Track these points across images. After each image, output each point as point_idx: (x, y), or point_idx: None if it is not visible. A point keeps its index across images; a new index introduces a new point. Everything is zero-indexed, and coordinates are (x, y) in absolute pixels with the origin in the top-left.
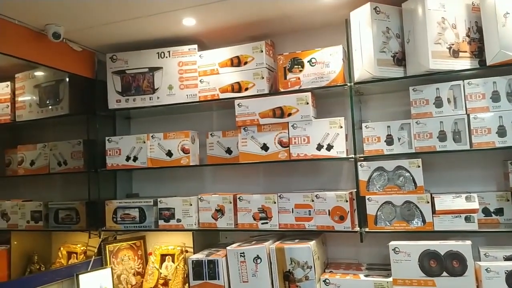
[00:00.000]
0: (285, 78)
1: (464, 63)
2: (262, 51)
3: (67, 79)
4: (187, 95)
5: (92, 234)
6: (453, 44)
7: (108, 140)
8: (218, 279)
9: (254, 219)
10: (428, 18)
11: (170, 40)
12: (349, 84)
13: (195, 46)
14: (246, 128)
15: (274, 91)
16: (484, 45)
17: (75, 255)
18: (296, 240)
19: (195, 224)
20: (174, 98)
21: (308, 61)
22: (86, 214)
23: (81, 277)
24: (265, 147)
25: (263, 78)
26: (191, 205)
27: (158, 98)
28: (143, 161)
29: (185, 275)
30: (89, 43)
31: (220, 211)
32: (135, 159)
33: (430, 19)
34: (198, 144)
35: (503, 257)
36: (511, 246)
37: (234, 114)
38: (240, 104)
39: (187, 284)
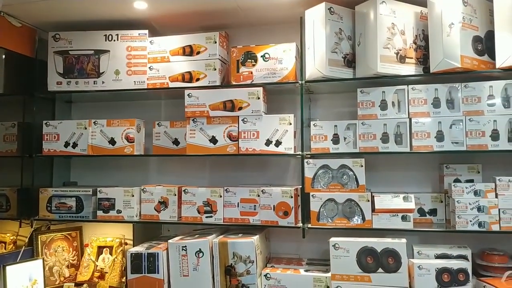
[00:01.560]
0: (238, 71)
1: (410, 69)
2: (215, 42)
3: (3, 56)
4: (134, 81)
5: (24, 223)
6: (400, 50)
7: (45, 124)
8: (158, 273)
9: (199, 212)
10: (379, 22)
11: (119, 23)
12: (300, 82)
13: (146, 31)
14: (195, 120)
15: (226, 84)
16: (429, 53)
17: (3, 244)
18: (240, 235)
19: (136, 216)
20: (120, 83)
21: (261, 56)
22: (17, 202)
23: (8, 268)
24: (213, 140)
25: (215, 69)
26: (133, 196)
27: (103, 82)
28: (83, 148)
29: (123, 268)
30: (30, 19)
31: (163, 203)
32: (74, 145)
33: (381, 24)
34: (144, 133)
35: (434, 255)
36: (442, 245)
37: (184, 105)
38: (190, 95)
39: (124, 278)
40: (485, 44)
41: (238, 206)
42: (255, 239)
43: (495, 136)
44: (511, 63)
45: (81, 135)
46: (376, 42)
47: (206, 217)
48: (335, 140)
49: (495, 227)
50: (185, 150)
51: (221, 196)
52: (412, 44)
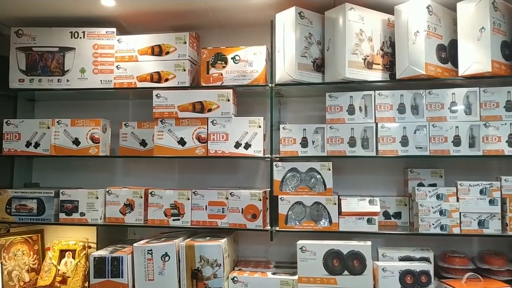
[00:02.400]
0: (208, 72)
1: (377, 74)
2: (185, 43)
3: None
4: (101, 80)
5: None
6: (368, 56)
7: (6, 122)
8: (122, 277)
9: (166, 215)
10: (347, 28)
11: (86, 20)
12: (270, 85)
13: (114, 29)
14: (163, 121)
15: (195, 85)
16: (396, 60)
17: None
18: (208, 238)
19: (100, 219)
20: (86, 82)
21: (232, 58)
22: None
23: None
24: (182, 142)
25: (184, 70)
26: (97, 198)
27: (67, 81)
28: (46, 148)
29: (86, 273)
30: None
31: (129, 205)
32: (36, 145)
33: (350, 30)
34: (110, 133)
35: (398, 258)
36: (406, 247)
37: (152, 105)
38: (158, 95)
39: (87, 282)
40: (449, 52)
41: (206, 209)
42: (223, 242)
43: (457, 142)
44: (473, 71)
45: (43, 134)
46: (345, 48)
47: (173, 220)
48: (304, 143)
49: (456, 230)
50: (152, 151)
51: (189, 199)
52: (379, 51)
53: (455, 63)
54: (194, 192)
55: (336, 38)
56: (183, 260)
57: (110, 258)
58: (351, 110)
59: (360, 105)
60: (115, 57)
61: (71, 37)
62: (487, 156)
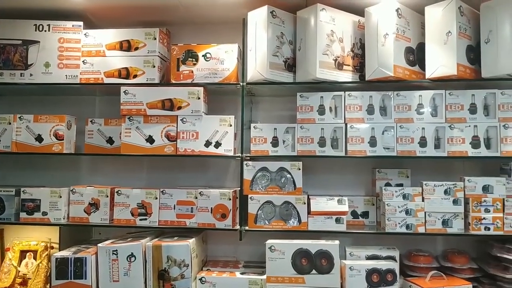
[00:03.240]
0: (178, 69)
1: (347, 75)
2: (155, 39)
3: None
4: (66, 75)
5: None
6: (338, 57)
7: None
8: (85, 279)
9: (132, 214)
10: (319, 29)
11: (52, 13)
12: (241, 83)
13: (81, 23)
14: (131, 118)
15: (165, 82)
16: (365, 61)
17: None
18: (176, 238)
19: (63, 218)
20: (50, 77)
21: (203, 55)
22: None
23: None
24: (150, 140)
25: (154, 66)
26: (60, 197)
27: (31, 75)
28: (6, 144)
29: (48, 274)
30: None
31: (94, 205)
32: None
33: (321, 31)
34: (75, 130)
35: (365, 256)
36: (373, 246)
37: (119, 102)
38: (126, 92)
39: (49, 284)
40: (417, 55)
41: (174, 209)
42: (191, 242)
43: (423, 143)
44: (439, 74)
45: (4, 130)
46: (316, 48)
47: (140, 219)
48: (274, 143)
49: (421, 229)
50: (119, 149)
51: (156, 198)
52: (349, 52)
53: (422, 66)
54: (162, 191)
55: (308, 38)
56: (149, 261)
57: (73, 259)
58: (321, 110)
59: (330, 105)
60: (82, 52)
61: (35, 30)
62: (452, 157)
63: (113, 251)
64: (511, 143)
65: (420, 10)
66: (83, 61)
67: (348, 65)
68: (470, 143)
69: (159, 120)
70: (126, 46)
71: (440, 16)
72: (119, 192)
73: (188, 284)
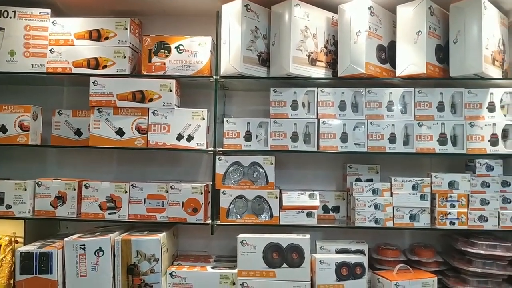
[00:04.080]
0: (150, 61)
1: (320, 71)
2: (126, 29)
3: None
4: (32, 64)
5: None
6: (312, 53)
7: None
8: (51, 273)
9: (101, 208)
10: (293, 24)
11: None
12: (214, 77)
13: (48, 10)
14: (100, 109)
15: (136, 73)
16: (338, 58)
17: None
18: (146, 232)
19: (28, 212)
20: (15, 65)
21: (175, 47)
22: None
23: None
24: (120, 132)
25: (125, 57)
26: (25, 190)
27: None
28: None
29: (12, 269)
30: None
31: (61, 198)
32: None
33: (295, 26)
34: (42, 121)
35: (335, 250)
36: (342, 240)
37: (88, 93)
38: (95, 82)
39: (13, 279)
40: (388, 53)
41: (144, 203)
42: (161, 236)
43: (392, 139)
44: (409, 72)
45: None
46: (290, 43)
47: (109, 213)
48: (248, 137)
49: (389, 224)
50: (88, 141)
51: (126, 192)
52: (323, 48)
53: (393, 64)
54: (132, 185)
55: (282, 33)
56: (118, 255)
57: (38, 253)
58: (294, 106)
59: (303, 100)
60: (49, 40)
61: (0, 17)
62: (420, 153)
63: (80, 245)
64: (476, 141)
65: (392, 9)
66: (50, 50)
67: (321, 61)
68: (437, 140)
69: (129, 112)
70: (96, 35)
71: (411, 15)
72: (87, 185)
73: (158, 279)
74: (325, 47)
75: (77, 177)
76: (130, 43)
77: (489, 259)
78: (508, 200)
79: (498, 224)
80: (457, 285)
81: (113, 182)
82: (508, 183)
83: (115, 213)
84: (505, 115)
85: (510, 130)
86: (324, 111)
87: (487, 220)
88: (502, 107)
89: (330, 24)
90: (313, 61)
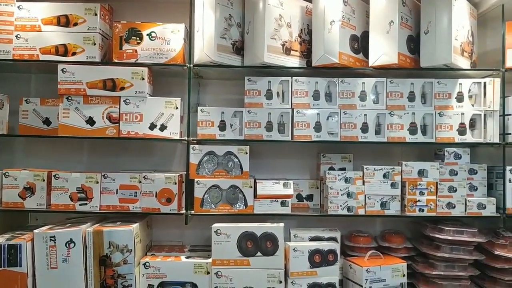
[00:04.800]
0: (121, 48)
1: (294, 61)
2: (96, 14)
3: None
4: None
5: None
6: (286, 42)
7: None
8: (20, 266)
9: (71, 199)
10: (267, 12)
11: None
12: (188, 65)
13: None
14: (69, 98)
15: (107, 61)
16: (312, 47)
17: None
18: (118, 223)
19: None
20: None
21: (147, 34)
22: None
23: None
24: (91, 121)
25: (94, 44)
26: None
27: None
28: None
29: None
30: None
31: (29, 189)
32: None
33: (269, 14)
34: (8, 110)
35: (309, 238)
36: (316, 228)
37: (57, 80)
38: (64, 70)
39: None
40: (361, 43)
41: (117, 193)
42: (134, 227)
43: (364, 128)
44: (381, 62)
45: None
46: (264, 32)
47: (80, 204)
48: (222, 126)
49: (361, 211)
50: (57, 131)
51: (98, 182)
52: (297, 38)
53: (366, 54)
54: (104, 175)
55: (256, 22)
56: (90, 247)
57: (6, 245)
58: (269, 95)
59: (277, 90)
60: (15, 26)
61: None
62: (391, 142)
63: (50, 237)
64: (445, 130)
65: None
66: (16, 36)
67: (296, 51)
68: (408, 130)
69: (100, 101)
70: (64, 21)
71: (383, 5)
72: (57, 176)
73: (131, 270)
74: (300, 36)
75: (46, 167)
76: (100, 29)
77: (456, 244)
78: (475, 188)
79: (465, 210)
80: (426, 270)
81: (84, 172)
82: (475, 171)
83: (86, 204)
84: (472, 105)
85: (477, 119)
86: (298, 100)
87: (454, 207)
88: (470, 97)
89: (305, 13)
90: (287, 50)
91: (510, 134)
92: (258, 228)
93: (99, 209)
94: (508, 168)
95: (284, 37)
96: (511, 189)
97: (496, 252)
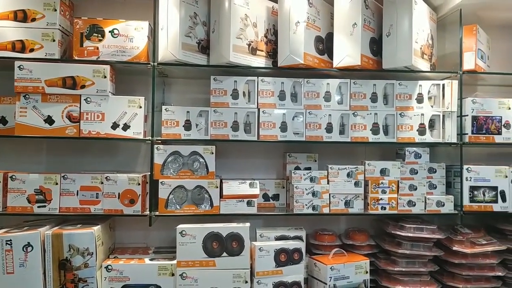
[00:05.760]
0: (82, 45)
1: (260, 61)
2: (55, 10)
3: None
4: None
5: None
6: (252, 42)
7: None
8: None
9: (29, 201)
10: (233, 12)
11: None
12: (152, 63)
13: None
14: (27, 96)
15: (67, 58)
16: (278, 48)
17: None
18: (79, 225)
19: None
20: None
21: (110, 31)
22: None
23: None
24: (50, 120)
25: (54, 40)
26: None
27: None
28: None
29: None
30: None
31: None
32: None
33: (235, 13)
34: None
35: (275, 237)
36: (282, 227)
37: (14, 78)
38: (21, 67)
39: None
40: (326, 44)
41: (77, 195)
42: (96, 229)
43: (329, 128)
44: (345, 64)
45: None
46: (230, 31)
47: (39, 207)
48: (187, 126)
49: (326, 210)
50: (13, 130)
51: (57, 184)
52: (263, 38)
53: (330, 55)
54: (63, 176)
55: (222, 21)
56: (49, 250)
57: None
58: (235, 95)
59: (244, 90)
60: None
61: None
62: (354, 142)
63: (6, 241)
64: (406, 130)
65: (330, 0)
66: None
67: (262, 51)
68: (370, 130)
69: (59, 99)
70: (22, 16)
71: (347, 8)
72: (13, 177)
73: (93, 273)
74: (265, 36)
75: (2, 168)
76: (60, 25)
77: (417, 241)
78: (434, 186)
79: (425, 208)
80: (388, 266)
81: (42, 173)
82: (434, 170)
83: (45, 206)
84: (432, 106)
85: (436, 120)
86: (264, 100)
87: (415, 204)
88: (430, 98)
89: (270, 14)
90: (253, 50)
91: (467, 134)
92: (223, 228)
93: (58, 212)
94: (465, 167)
95: (250, 37)
96: (468, 187)
97: (454, 248)
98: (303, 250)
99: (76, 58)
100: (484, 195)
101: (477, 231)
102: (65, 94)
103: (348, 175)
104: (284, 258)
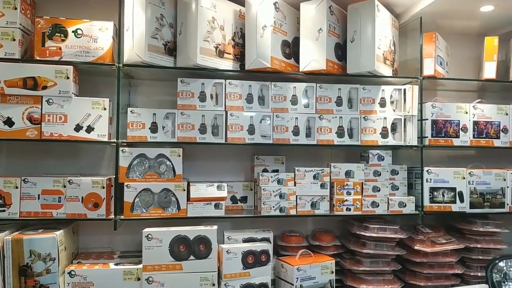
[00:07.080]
0: (43, 45)
1: (228, 64)
2: (16, 9)
3: None
4: None
5: None
6: (219, 45)
7: None
8: None
9: None
10: (200, 14)
11: None
12: (117, 64)
13: None
14: None
15: (27, 58)
16: (245, 51)
17: None
18: (40, 230)
19: None
20: None
21: (73, 31)
22: None
23: None
24: (9, 122)
25: (14, 40)
26: None
27: None
28: None
29: None
30: None
31: None
32: None
33: (202, 16)
34: None
35: (242, 239)
36: (250, 229)
37: None
38: None
39: None
40: (292, 48)
41: (39, 199)
42: (58, 234)
43: (296, 131)
44: (311, 68)
45: None
46: (197, 34)
47: None
48: (153, 128)
49: (293, 212)
50: None
51: (17, 187)
52: (231, 41)
53: (297, 59)
54: (24, 180)
55: (188, 23)
56: (8, 256)
57: None
58: (202, 97)
59: (211, 92)
60: None
61: None
62: (320, 145)
63: None
64: (370, 133)
65: (296, 5)
66: None
67: (229, 54)
68: (336, 133)
69: (19, 101)
70: None
71: (313, 13)
72: None
73: (55, 279)
74: (233, 39)
75: None
76: (20, 24)
77: (380, 241)
78: (396, 187)
79: (388, 208)
80: (353, 266)
81: (1, 177)
82: (396, 172)
83: (4, 210)
84: (394, 110)
85: (398, 123)
86: (232, 103)
87: (378, 205)
88: (392, 102)
89: (238, 17)
90: (220, 53)
91: (427, 137)
92: (190, 231)
93: (18, 216)
94: (425, 169)
95: (218, 39)
96: (428, 188)
97: (416, 247)
98: (271, 252)
99: (38, 58)
100: (443, 195)
101: (437, 230)
102: (25, 95)
103: (315, 177)
104: (252, 260)
